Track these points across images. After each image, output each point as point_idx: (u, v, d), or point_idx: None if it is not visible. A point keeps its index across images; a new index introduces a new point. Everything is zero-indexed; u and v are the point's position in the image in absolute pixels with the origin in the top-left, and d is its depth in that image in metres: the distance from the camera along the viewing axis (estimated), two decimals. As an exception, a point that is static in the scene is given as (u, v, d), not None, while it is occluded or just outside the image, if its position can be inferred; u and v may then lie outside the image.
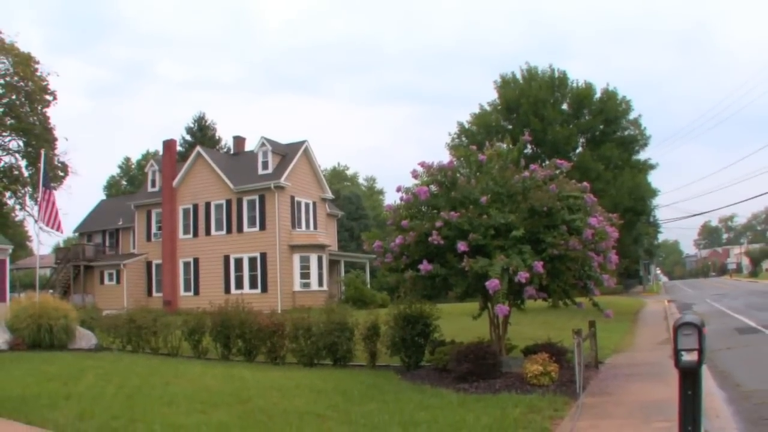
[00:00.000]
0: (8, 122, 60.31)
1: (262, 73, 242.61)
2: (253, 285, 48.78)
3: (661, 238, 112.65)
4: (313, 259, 49.14)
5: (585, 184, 16.00)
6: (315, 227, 52.50)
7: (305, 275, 48.73)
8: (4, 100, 59.79)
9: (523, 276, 13.07)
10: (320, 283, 49.34)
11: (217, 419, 10.73)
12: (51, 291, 47.60)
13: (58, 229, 27.82)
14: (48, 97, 61.38)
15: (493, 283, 12.89)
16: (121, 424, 10.40)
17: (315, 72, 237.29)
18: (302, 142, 52.98)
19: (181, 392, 13.29)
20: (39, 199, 28.00)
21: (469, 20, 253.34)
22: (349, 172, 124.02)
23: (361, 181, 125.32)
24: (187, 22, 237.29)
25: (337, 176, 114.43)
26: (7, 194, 60.44)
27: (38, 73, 59.97)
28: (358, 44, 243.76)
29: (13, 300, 31.35)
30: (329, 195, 56.41)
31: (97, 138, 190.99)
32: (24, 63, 58.23)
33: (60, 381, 14.76)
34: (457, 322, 21.09)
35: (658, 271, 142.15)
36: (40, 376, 15.56)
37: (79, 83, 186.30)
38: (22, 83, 59.33)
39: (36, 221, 36.08)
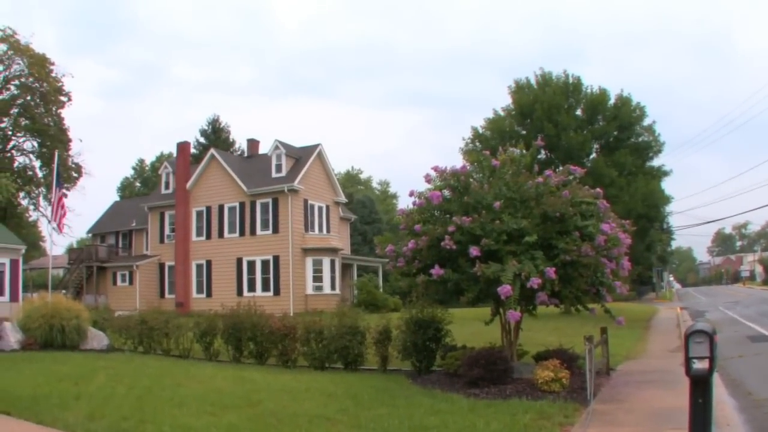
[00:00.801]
0: (23, 123, 60.63)
1: (277, 76, 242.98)
2: (265, 288, 48.83)
3: (674, 245, 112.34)
4: (326, 262, 49.20)
5: (598, 190, 16.00)
6: (328, 231, 52.54)
7: (318, 278, 48.81)
8: (19, 101, 60.10)
9: (535, 282, 13.06)
10: (333, 287, 49.41)
11: (227, 421, 10.75)
12: (64, 291, 47.69)
13: (60, 229, 28.02)
14: (62, 98, 61.72)
15: (505, 289, 12.88)
16: (130, 425, 10.43)
17: (329, 75, 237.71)
18: (316, 146, 53.11)
19: (192, 394, 13.33)
20: (52, 200, 28.18)
21: (484, 24, 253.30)
22: (362, 176, 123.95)
23: (374, 185, 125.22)
24: (202, 24, 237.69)
25: (351, 180, 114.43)
26: (21, 195, 60.62)
27: (53, 75, 60.24)
28: (372, 47, 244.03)
29: (26, 300, 31.50)
30: (342, 198, 56.48)
31: (112, 139, 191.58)
32: (39, 64, 58.51)
33: (71, 381, 14.82)
34: (469, 327, 21.09)
35: (671, 278, 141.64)
36: (52, 376, 15.63)
37: (93, 84, 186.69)
38: (37, 84, 59.60)
39: (49, 222, 36.25)
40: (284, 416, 11.21)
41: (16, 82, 59.90)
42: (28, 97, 60.20)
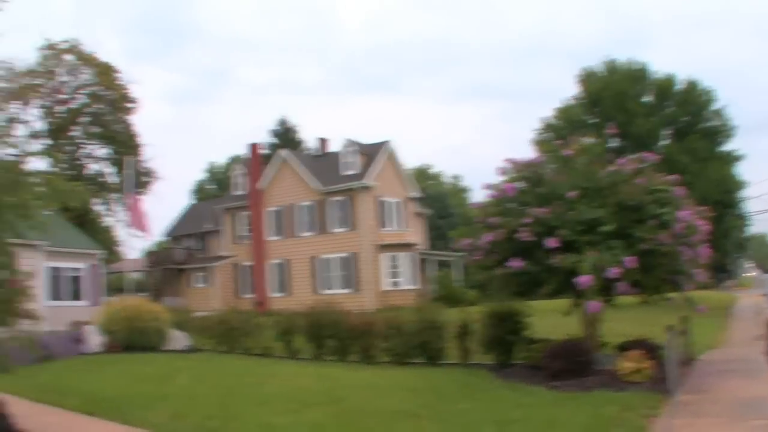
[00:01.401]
0: (93, 130, 61.60)
1: (343, 74, 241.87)
2: (342, 285, 48.93)
3: (751, 230, 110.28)
4: (402, 257, 49.18)
5: (675, 176, 15.78)
6: (402, 226, 52.46)
7: (394, 274, 48.78)
8: (89, 109, 61.07)
9: (614, 271, 12.94)
10: (410, 282, 49.27)
11: (311, 419, 10.84)
12: (143, 294, 48.45)
13: (147, 233, 28.45)
14: (130, 105, 62.56)
15: (584, 279, 12.81)
16: (216, 424, 10.58)
17: (395, 70, 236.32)
18: (386, 142, 53.05)
19: (275, 392, 13.46)
20: (127, 205, 28.63)
21: (547, 13, 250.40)
22: (433, 171, 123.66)
23: (446, 179, 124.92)
24: (263, 25, 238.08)
25: (422, 175, 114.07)
26: (97, 201, 61.61)
27: (119, 82, 61.15)
28: (437, 41, 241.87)
29: (106, 303, 31.97)
30: (416, 194, 56.22)
31: (183, 143, 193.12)
32: (105, 72, 59.37)
33: (154, 382, 15.07)
34: (548, 319, 20.94)
35: (751, 265, 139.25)
36: (134, 377, 15.92)
37: (160, 90, 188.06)
38: (104, 92, 60.54)
39: (126, 226, 36.81)
40: (368, 412, 11.28)
41: (85, 91, 60.91)
42: (97, 105, 61.18)
